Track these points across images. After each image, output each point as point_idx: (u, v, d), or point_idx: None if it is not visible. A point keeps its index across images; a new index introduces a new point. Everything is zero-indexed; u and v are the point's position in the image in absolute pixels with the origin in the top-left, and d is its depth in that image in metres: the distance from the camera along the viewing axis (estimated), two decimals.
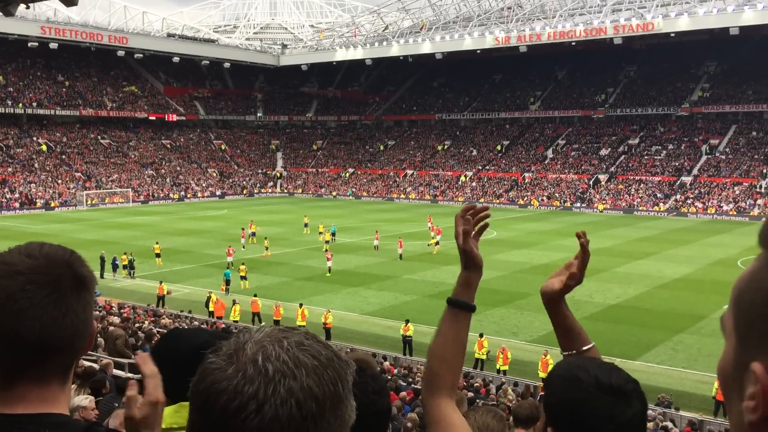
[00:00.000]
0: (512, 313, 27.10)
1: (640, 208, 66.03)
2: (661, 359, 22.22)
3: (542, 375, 19.68)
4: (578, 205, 69.75)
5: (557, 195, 72.35)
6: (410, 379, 17.18)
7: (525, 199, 73.03)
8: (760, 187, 64.87)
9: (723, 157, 72.04)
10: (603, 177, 73.97)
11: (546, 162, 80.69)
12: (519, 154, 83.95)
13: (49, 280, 1.27)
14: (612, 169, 75.50)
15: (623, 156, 77.38)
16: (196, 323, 23.99)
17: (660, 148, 76.69)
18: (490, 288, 29.62)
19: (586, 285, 30.55)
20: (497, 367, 20.75)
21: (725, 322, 0.88)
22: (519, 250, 41.90)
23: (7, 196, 66.57)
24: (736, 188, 65.55)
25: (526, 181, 77.45)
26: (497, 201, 73.64)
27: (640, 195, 68.86)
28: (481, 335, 21.60)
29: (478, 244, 2.06)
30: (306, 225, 49.59)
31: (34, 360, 1.26)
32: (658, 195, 68.05)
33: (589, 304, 28.37)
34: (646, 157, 75.93)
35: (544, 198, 72.29)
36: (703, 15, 68.87)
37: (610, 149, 79.21)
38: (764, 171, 67.03)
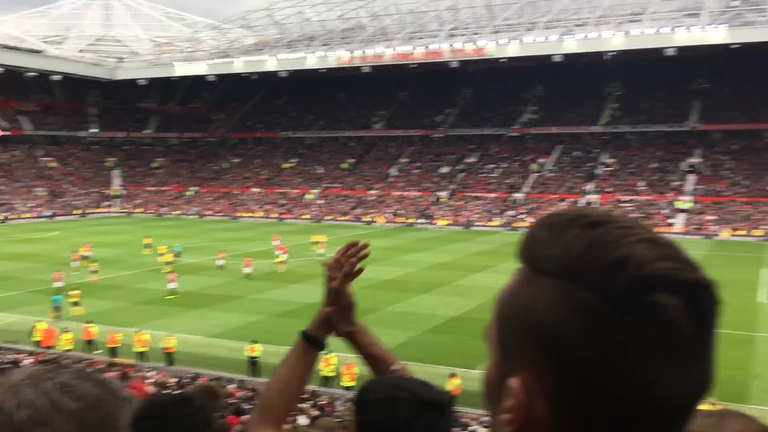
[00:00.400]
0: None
1: (477, 223, 69.32)
2: None
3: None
4: (421, 221, 72.05)
5: (402, 212, 74.34)
6: (255, 402, 16.84)
7: (370, 216, 74.37)
8: (582, 203, 70.45)
9: (550, 174, 77.45)
10: (443, 194, 76.98)
11: (390, 179, 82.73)
12: (364, 172, 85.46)
13: None
14: (452, 186, 78.78)
15: (462, 174, 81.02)
16: (23, 355, 22.15)
17: (494, 166, 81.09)
18: None
19: (429, 299, 31.77)
20: (342, 384, 20.87)
21: (489, 334, 0.89)
22: (366, 266, 42.39)
23: None
24: (562, 204, 70.66)
25: (371, 198, 78.95)
26: (343, 218, 74.42)
27: (477, 211, 72.34)
28: (328, 352, 21.62)
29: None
30: (148, 246, 47.38)
31: None
32: (493, 210, 71.82)
33: (432, 317, 29.31)
34: (482, 175, 79.97)
35: (389, 215, 74.01)
36: (530, 42, 74.10)
37: (449, 167, 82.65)
38: (585, 188, 72.87)
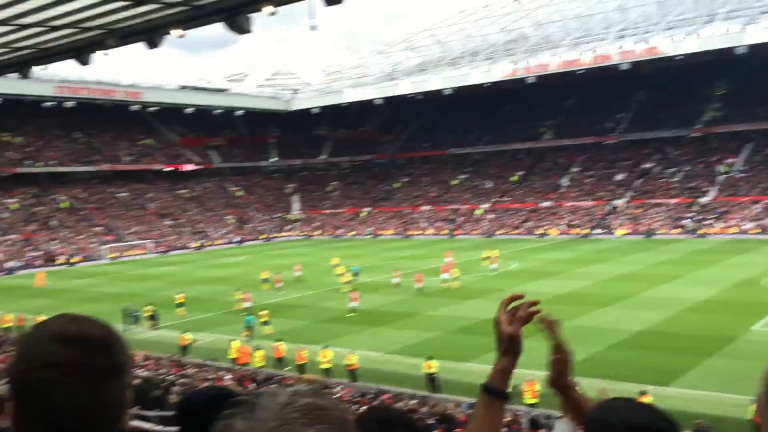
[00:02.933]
0: (538, 345, 26.44)
1: (659, 232, 65.44)
2: (694, 384, 21.77)
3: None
4: (597, 231, 69.32)
5: (575, 223, 71.99)
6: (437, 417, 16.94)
7: (543, 228, 72.72)
8: None
9: (740, 175, 71.50)
10: (620, 202, 73.59)
11: (562, 190, 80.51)
12: (534, 184, 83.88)
13: (87, 370, 1.26)
14: (629, 193, 75.14)
15: (639, 180, 77.06)
16: (222, 372, 23.96)
17: (675, 170, 76.32)
18: None
19: (611, 313, 30.36)
20: (525, 401, 20.44)
21: (760, 404, 0.95)
22: (540, 280, 41.57)
23: (29, 254, 67.32)
24: (756, 206, 64.90)
25: (543, 210, 77.22)
26: (515, 232, 73.42)
27: (658, 218, 68.33)
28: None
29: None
30: (335, 266, 49.22)
31: None
32: (676, 217, 67.50)
33: (615, 332, 28.02)
34: (661, 180, 75.56)
35: (562, 227, 71.96)
36: (709, 36, 69.09)
37: (625, 174, 78.94)
38: None
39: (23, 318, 34.99)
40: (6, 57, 14.78)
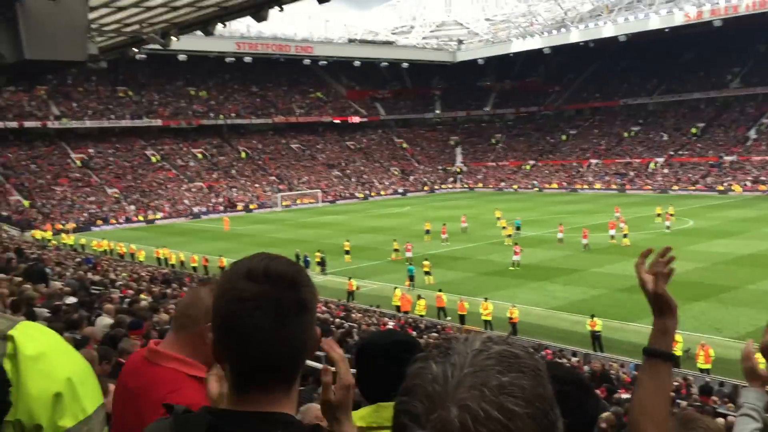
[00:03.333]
0: (714, 308, 25.18)
1: None
2: None
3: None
4: None
5: (764, 179, 66.05)
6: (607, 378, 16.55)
7: (725, 184, 67.46)
8: None
9: None
10: None
11: (748, 144, 73.98)
12: (716, 137, 77.72)
13: (274, 305, 1.35)
14: None
15: None
16: (386, 318, 24.84)
17: None
18: (689, 281, 27.72)
19: None
20: (698, 366, 19.40)
21: None
22: (720, 239, 38.81)
23: (213, 201, 72.88)
24: None
25: (726, 165, 71.52)
26: (693, 188, 68.79)
27: None
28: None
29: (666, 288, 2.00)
30: (499, 219, 48.98)
31: (262, 373, 1.38)
32: None
33: None
34: None
35: (747, 183, 66.33)
36: None
37: None
38: None
39: (207, 258, 38.16)
40: (191, 15, 15.84)
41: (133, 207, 68.21)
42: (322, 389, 1.65)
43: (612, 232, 39.56)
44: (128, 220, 65.29)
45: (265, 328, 1.35)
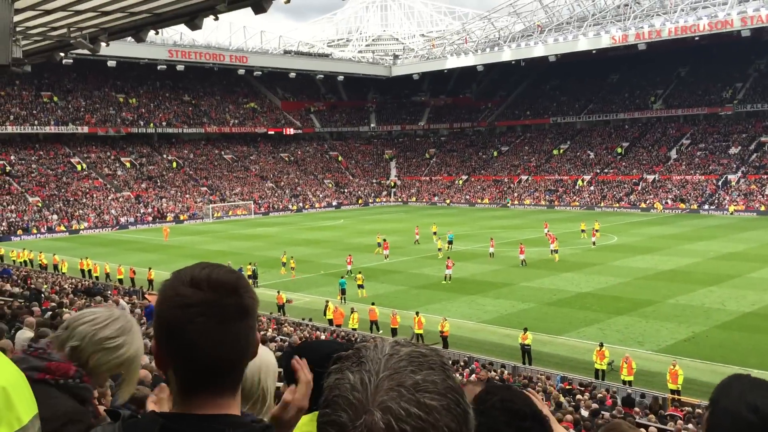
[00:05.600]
0: (637, 322, 26.01)
1: None
2: None
3: (672, 386, 18.79)
4: (706, 207, 66.13)
5: (683, 198, 68.89)
6: (530, 389, 16.85)
7: (647, 202, 70.03)
8: None
9: None
10: (733, 177, 69.76)
11: (669, 163, 77.10)
12: (640, 156, 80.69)
13: (218, 311, 1.39)
14: (743, 168, 71.07)
15: (755, 154, 72.67)
16: (317, 332, 24.66)
17: None
18: (612, 295, 28.59)
19: (717, 293, 29.04)
20: (622, 378, 19.99)
21: None
22: (642, 255, 40.19)
23: (141, 211, 71.06)
24: None
25: (648, 183, 74.28)
26: (617, 205, 71.17)
27: None
28: (601, 345, 20.90)
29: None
30: (434, 233, 49.18)
31: (208, 377, 1.42)
32: None
33: (721, 312, 26.84)
34: None
35: (668, 201, 69.07)
36: None
37: (740, 147, 74.61)
38: None
39: (135, 270, 37.11)
40: (122, 21, 15.45)
41: (56, 216, 65.83)
42: (280, 406, 1.74)
43: (552, 246, 40.20)
44: (51, 230, 62.98)
45: (210, 334, 1.38)
